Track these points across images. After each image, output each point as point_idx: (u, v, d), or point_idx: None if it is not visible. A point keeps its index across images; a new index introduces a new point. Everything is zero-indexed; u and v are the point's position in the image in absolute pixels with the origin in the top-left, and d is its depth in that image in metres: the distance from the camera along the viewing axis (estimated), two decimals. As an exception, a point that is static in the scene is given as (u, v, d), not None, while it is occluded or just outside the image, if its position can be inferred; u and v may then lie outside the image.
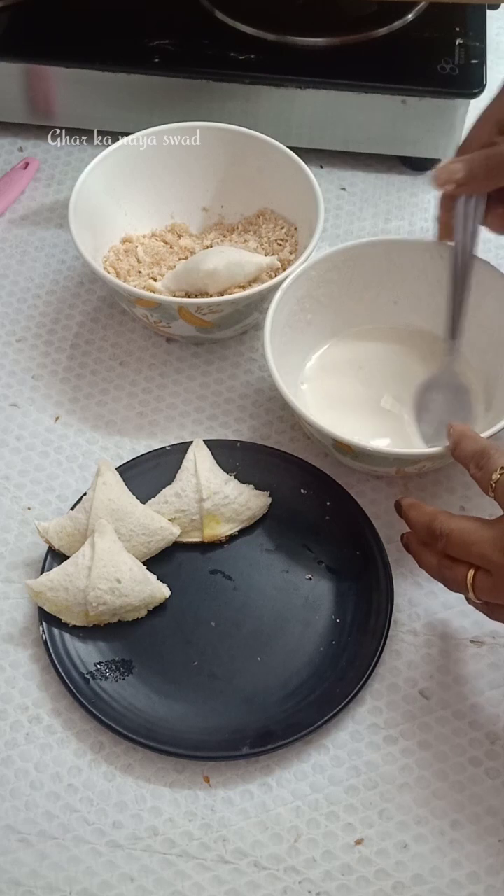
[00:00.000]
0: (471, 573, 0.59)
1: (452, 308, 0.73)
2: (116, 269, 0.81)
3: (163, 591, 0.68)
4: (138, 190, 0.84)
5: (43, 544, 0.70)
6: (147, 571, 0.68)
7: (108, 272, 0.80)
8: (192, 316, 0.75)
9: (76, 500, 0.72)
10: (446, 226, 0.73)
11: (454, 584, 0.61)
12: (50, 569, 0.68)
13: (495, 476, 0.59)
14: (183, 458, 0.72)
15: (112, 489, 0.69)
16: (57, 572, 0.67)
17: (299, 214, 0.81)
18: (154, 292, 0.78)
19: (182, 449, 0.73)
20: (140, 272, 0.81)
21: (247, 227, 0.85)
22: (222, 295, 0.77)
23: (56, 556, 0.69)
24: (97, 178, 0.81)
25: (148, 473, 0.73)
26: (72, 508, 0.71)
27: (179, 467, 0.72)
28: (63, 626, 0.66)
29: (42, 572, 0.68)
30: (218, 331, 0.78)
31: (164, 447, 0.75)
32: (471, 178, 0.69)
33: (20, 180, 0.93)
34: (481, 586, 0.59)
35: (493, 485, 0.59)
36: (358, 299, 0.78)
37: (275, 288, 0.74)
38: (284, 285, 0.74)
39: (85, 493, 0.71)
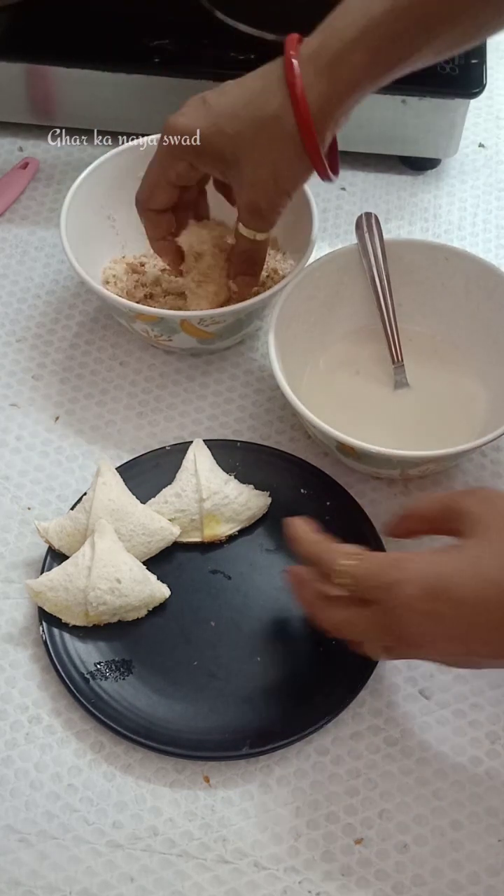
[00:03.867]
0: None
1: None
2: (116, 283, 0.81)
3: (163, 591, 0.67)
4: (131, 203, 0.83)
5: (43, 544, 0.70)
6: (147, 571, 0.68)
7: (108, 285, 0.80)
8: (194, 328, 0.74)
9: (76, 500, 0.72)
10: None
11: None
12: (50, 569, 0.68)
13: (337, 573, 0.56)
14: (183, 458, 0.72)
15: (112, 489, 0.69)
16: (57, 572, 0.67)
17: (294, 219, 0.80)
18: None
19: (182, 449, 0.73)
20: (144, 285, 0.81)
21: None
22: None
23: (56, 556, 0.69)
24: (88, 190, 0.80)
25: (148, 473, 0.73)
26: (72, 508, 0.71)
27: (179, 467, 0.72)
28: (63, 626, 0.66)
29: (42, 572, 0.68)
30: (219, 340, 0.78)
31: (164, 447, 0.75)
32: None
33: (20, 180, 0.93)
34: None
35: (337, 583, 0.57)
36: (361, 300, 0.78)
37: (275, 295, 0.73)
38: (289, 288, 0.73)
39: (85, 493, 0.71)
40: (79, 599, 0.65)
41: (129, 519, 0.68)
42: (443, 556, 0.55)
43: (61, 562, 0.68)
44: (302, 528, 0.61)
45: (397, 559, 0.55)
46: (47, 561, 0.69)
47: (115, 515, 0.68)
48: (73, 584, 0.66)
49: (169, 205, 0.72)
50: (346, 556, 0.57)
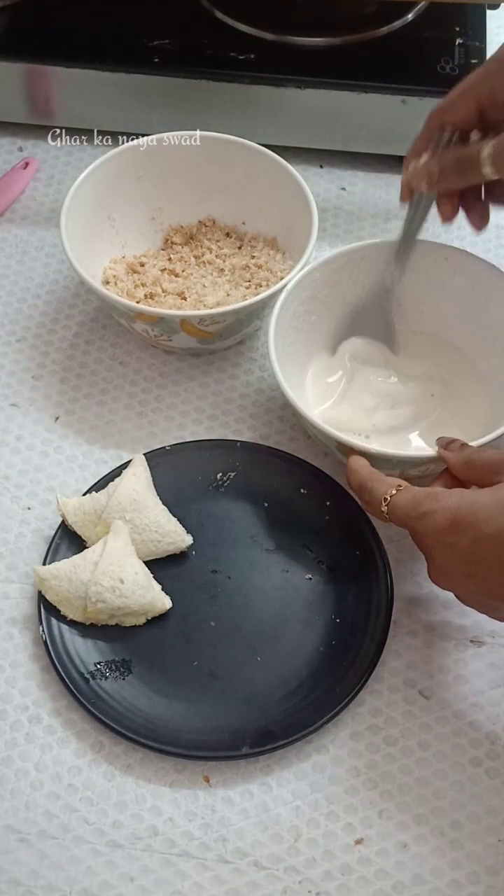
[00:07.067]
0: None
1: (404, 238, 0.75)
2: (116, 283, 0.81)
3: (164, 602, 0.67)
4: (131, 202, 0.84)
5: (43, 545, 0.70)
6: (153, 580, 0.68)
7: (108, 285, 0.80)
8: (194, 328, 0.74)
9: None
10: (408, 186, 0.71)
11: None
12: (57, 549, 0.69)
13: (384, 507, 0.61)
14: (182, 458, 0.73)
15: (140, 481, 0.70)
16: (65, 562, 0.67)
17: (294, 219, 0.81)
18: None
19: (182, 449, 0.73)
20: (144, 285, 0.81)
21: (237, 236, 0.85)
22: None
23: (65, 535, 0.70)
24: (88, 190, 0.80)
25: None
26: (84, 493, 0.72)
27: (177, 469, 0.72)
28: (63, 623, 0.66)
29: (48, 552, 0.69)
30: (219, 340, 0.78)
31: (164, 447, 0.75)
32: (444, 177, 0.68)
33: (20, 180, 0.93)
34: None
35: (386, 515, 0.62)
36: (361, 300, 0.78)
37: (275, 296, 0.73)
38: (289, 287, 0.73)
39: (105, 477, 0.72)
40: (80, 592, 0.65)
41: (147, 513, 0.69)
42: (479, 492, 0.58)
43: (69, 542, 0.69)
44: (359, 462, 0.65)
45: (435, 492, 0.59)
46: (55, 540, 0.69)
47: (134, 506, 0.68)
48: (77, 575, 0.66)
49: (463, 120, 0.68)
50: (393, 488, 0.62)
